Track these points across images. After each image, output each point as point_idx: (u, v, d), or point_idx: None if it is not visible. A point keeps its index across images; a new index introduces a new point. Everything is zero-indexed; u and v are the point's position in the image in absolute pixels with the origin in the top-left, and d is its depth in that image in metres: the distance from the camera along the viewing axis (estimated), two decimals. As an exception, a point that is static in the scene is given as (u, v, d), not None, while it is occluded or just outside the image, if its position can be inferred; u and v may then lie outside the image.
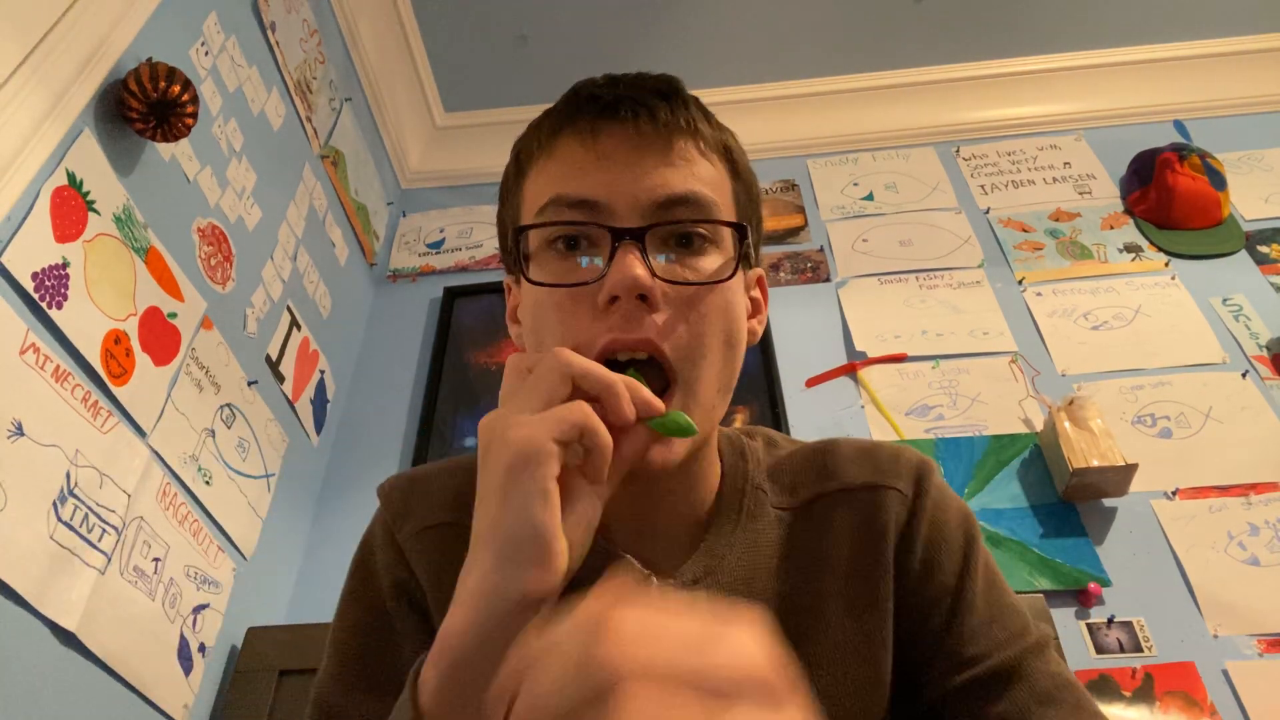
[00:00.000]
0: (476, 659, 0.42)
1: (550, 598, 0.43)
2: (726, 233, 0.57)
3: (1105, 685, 1.37)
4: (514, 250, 0.58)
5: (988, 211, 2.20)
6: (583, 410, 0.44)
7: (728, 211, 0.58)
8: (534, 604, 0.43)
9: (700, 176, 0.56)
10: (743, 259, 0.58)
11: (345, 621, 0.64)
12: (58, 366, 1.05)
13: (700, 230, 0.56)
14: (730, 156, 0.60)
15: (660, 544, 0.62)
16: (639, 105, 0.56)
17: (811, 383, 1.87)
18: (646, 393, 0.48)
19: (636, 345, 0.53)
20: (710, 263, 0.56)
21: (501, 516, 0.43)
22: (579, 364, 0.46)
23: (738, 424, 0.79)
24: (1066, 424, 1.59)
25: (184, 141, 1.37)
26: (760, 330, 0.65)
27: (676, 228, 0.55)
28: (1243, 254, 2.01)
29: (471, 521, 0.45)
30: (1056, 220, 2.16)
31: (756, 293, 0.66)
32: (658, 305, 0.53)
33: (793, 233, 2.22)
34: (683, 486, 0.62)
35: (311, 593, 1.61)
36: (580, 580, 0.59)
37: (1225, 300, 1.91)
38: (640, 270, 0.52)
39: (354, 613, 0.64)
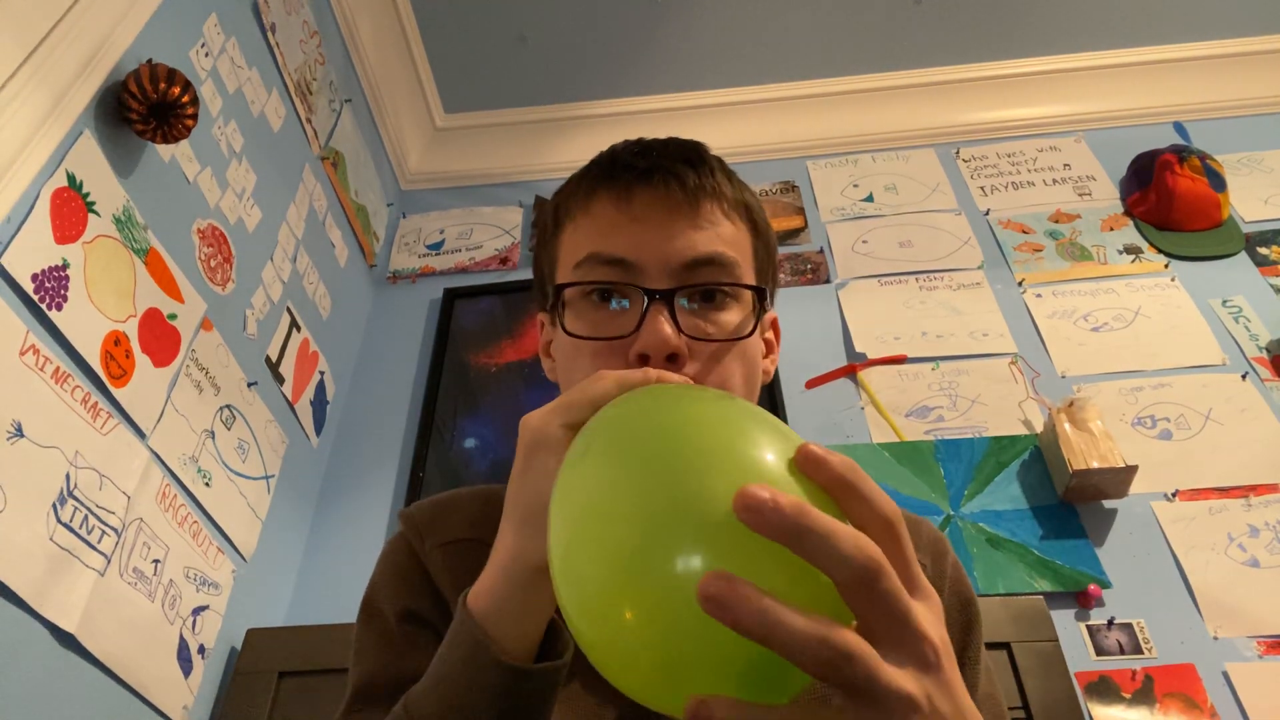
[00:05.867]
0: (498, 616, 0.49)
1: None
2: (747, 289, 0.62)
3: (1105, 687, 1.37)
4: (552, 298, 0.62)
5: (987, 213, 2.20)
6: (592, 388, 0.46)
7: (748, 267, 0.63)
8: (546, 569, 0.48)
9: (724, 237, 0.61)
10: (759, 308, 0.63)
11: (364, 657, 0.66)
12: (57, 368, 1.05)
13: (723, 289, 0.61)
14: (750, 215, 0.65)
15: None
16: (669, 172, 0.61)
17: (811, 384, 1.87)
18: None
19: None
20: (732, 317, 0.61)
21: (518, 492, 0.49)
22: (615, 375, 0.48)
23: None
24: (1066, 425, 1.59)
25: (184, 143, 1.37)
26: (773, 369, 0.70)
27: (702, 287, 0.60)
28: (1242, 256, 2.01)
29: (494, 540, 0.51)
30: (1056, 222, 2.16)
31: (770, 334, 0.71)
32: (684, 361, 0.58)
33: (792, 234, 2.22)
34: None
35: (311, 594, 1.61)
36: None
37: (1225, 302, 1.91)
38: (669, 331, 0.57)
39: (373, 649, 0.66)
